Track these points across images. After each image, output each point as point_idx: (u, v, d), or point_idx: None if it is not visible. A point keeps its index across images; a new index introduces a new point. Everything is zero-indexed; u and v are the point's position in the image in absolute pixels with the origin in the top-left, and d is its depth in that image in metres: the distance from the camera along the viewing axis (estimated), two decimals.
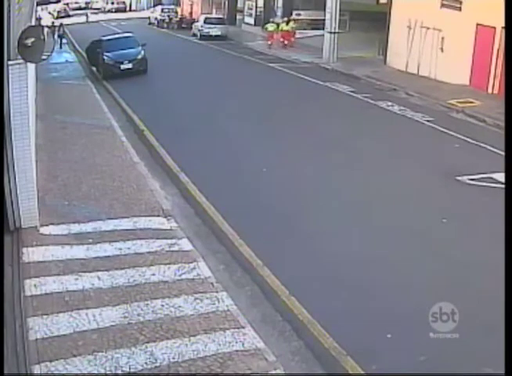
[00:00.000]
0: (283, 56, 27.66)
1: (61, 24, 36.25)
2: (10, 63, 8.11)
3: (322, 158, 12.68)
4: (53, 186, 10.81)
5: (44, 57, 8.94)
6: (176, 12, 48.59)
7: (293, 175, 11.68)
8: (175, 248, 8.58)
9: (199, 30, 36.97)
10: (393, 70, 23.07)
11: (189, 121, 16.13)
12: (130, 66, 23.27)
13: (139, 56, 23.60)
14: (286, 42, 30.53)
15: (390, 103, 17.76)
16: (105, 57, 23.35)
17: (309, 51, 28.43)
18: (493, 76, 18.29)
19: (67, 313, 6.86)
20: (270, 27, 31.71)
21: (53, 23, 36.79)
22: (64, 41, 35.18)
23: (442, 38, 20.75)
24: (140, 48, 23.98)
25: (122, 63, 23.18)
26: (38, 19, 31.44)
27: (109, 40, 24.87)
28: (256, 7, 39.75)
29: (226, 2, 43.93)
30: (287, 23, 31.26)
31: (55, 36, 32.73)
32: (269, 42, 31.03)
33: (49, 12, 51.09)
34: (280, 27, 31.32)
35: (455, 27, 19.77)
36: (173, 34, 41.52)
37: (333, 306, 7.20)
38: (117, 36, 26.44)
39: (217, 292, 7.43)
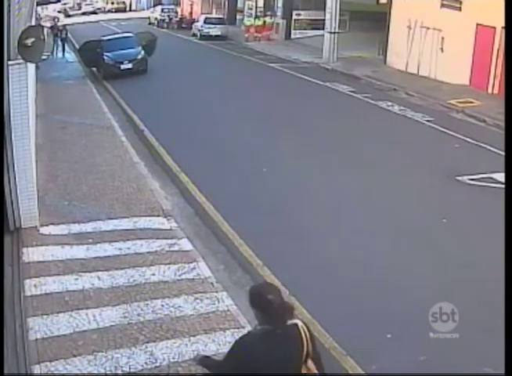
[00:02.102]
0: (282, 56, 27.68)
1: (64, 26, 33.99)
2: (10, 63, 8.10)
3: (323, 158, 12.68)
4: (53, 186, 10.81)
5: (44, 57, 8.94)
6: (176, 12, 48.61)
7: (293, 175, 11.68)
8: (175, 248, 8.58)
9: (199, 30, 36.98)
10: (393, 70, 23.09)
11: (188, 120, 16.13)
12: (130, 66, 23.27)
13: (139, 56, 23.63)
14: (260, 35, 34.13)
15: (390, 103, 17.77)
16: (105, 57, 23.34)
17: (309, 51, 28.46)
18: (493, 76, 18.31)
19: (67, 313, 6.85)
20: (247, 21, 35.69)
21: (55, 24, 34.21)
22: (67, 47, 32.49)
23: (442, 38, 20.76)
24: (140, 48, 23.98)
25: (122, 63, 23.19)
26: (38, 19, 31.21)
27: (109, 40, 24.86)
28: (256, 7, 39.77)
29: (226, 2, 43.95)
30: (262, 18, 35.16)
31: (58, 41, 31.33)
32: (246, 35, 34.59)
33: (49, 13, 51.10)
34: (255, 22, 34.95)
35: (455, 27, 19.79)
36: (173, 34, 41.52)
37: (333, 306, 7.20)
38: (116, 36, 26.41)
39: (217, 292, 7.42)
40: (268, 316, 3.98)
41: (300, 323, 4.09)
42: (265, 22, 34.91)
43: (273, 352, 3.97)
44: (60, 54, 30.72)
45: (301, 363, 4.09)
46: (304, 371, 4.08)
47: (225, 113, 16.86)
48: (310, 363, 4.12)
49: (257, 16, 35.47)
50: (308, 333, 4.10)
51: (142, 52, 23.81)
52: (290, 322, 4.07)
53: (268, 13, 35.74)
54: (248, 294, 4.12)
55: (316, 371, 4.14)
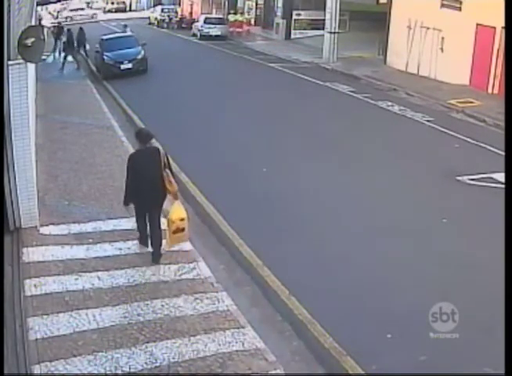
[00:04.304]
0: (282, 56, 27.67)
1: (61, 27, 29.25)
2: (10, 63, 8.11)
3: (322, 158, 12.68)
4: (53, 186, 10.80)
5: (44, 57, 8.96)
6: (176, 12, 48.58)
7: (293, 175, 11.68)
8: (175, 248, 8.57)
9: (199, 30, 36.94)
10: (393, 70, 23.08)
11: (188, 120, 16.13)
12: (130, 66, 23.17)
13: (139, 56, 23.50)
14: (241, 30, 37.25)
15: (390, 103, 17.76)
16: (105, 57, 23.25)
17: (309, 51, 28.46)
18: (493, 76, 18.30)
19: (67, 313, 6.86)
20: (231, 17, 38.55)
21: (53, 24, 32.61)
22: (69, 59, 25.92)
23: (442, 38, 20.75)
24: (140, 47, 23.88)
25: (122, 62, 23.07)
26: (40, 19, 30.91)
27: (109, 39, 24.77)
28: (256, 7, 39.80)
29: (226, 2, 43.94)
30: (242, 14, 38.83)
31: (57, 50, 27.31)
32: (230, 29, 37.17)
33: (49, 12, 51.13)
34: (238, 18, 38.10)
35: (455, 27, 19.78)
36: (173, 34, 41.49)
37: (333, 306, 7.20)
38: (116, 35, 26.33)
39: (217, 292, 7.43)
40: (141, 139, 8.16)
41: (160, 148, 8.21)
42: (246, 18, 38.52)
43: (145, 157, 8.01)
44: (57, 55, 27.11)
45: (161, 169, 7.87)
46: (164, 174, 7.86)
47: (226, 113, 16.85)
48: (168, 171, 7.95)
49: (238, 13, 38.63)
50: (165, 154, 8.04)
51: (142, 52, 23.70)
52: (154, 145, 8.26)
53: (249, 10, 39.54)
54: (134, 135, 8.60)
55: (171, 177, 7.95)
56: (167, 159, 8.04)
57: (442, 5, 20.73)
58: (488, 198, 10.26)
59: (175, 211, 7.99)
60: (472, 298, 7.19)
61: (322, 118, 16.10)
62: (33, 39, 8.15)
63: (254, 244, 8.73)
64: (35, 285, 7.42)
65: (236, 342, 6.44)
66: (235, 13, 39.26)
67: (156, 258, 8.16)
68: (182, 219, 7.99)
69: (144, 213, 8.17)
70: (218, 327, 6.69)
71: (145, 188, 7.87)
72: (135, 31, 28.31)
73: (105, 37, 25.44)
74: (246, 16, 39.09)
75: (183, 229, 8.03)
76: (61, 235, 8.91)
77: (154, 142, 8.41)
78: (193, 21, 41.44)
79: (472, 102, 17.44)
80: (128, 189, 8.04)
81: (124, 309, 7.00)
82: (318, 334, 6.70)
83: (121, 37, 25.61)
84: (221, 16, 39.76)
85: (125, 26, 33.05)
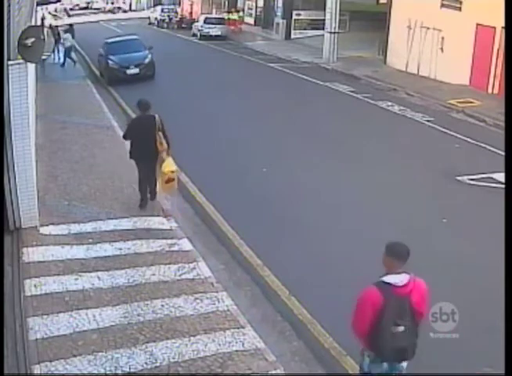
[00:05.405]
0: (282, 56, 27.68)
1: (55, 27, 28.04)
2: (10, 63, 8.11)
3: (323, 158, 12.68)
4: (53, 186, 10.81)
5: (44, 57, 8.99)
6: (176, 12, 48.61)
7: (293, 175, 11.68)
8: (175, 248, 8.58)
9: (199, 30, 36.93)
10: (393, 70, 23.09)
11: (188, 120, 16.10)
12: (137, 70, 21.79)
13: (146, 60, 22.13)
14: (234, 28, 38.75)
15: (390, 103, 17.77)
16: (109, 61, 21.99)
17: (309, 51, 28.47)
18: (493, 76, 18.31)
19: (67, 313, 6.86)
20: (226, 16, 40.21)
21: (51, 24, 31.49)
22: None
23: (442, 38, 20.76)
24: (147, 51, 22.57)
25: (128, 67, 21.70)
26: (42, 19, 30.69)
27: (113, 42, 23.35)
28: (256, 7, 39.83)
29: (226, 2, 43.99)
30: (236, 13, 40.49)
31: (58, 50, 26.54)
32: (230, 28, 38.71)
33: (49, 12, 51.16)
34: (232, 17, 39.87)
35: (455, 27, 19.79)
36: (173, 34, 41.52)
37: (333, 306, 7.20)
38: (121, 38, 24.54)
39: (217, 292, 7.43)
40: (140, 108, 9.78)
41: (156, 116, 9.73)
42: (239, 17, 40.47)
43: (142, 122, 9.73)
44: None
45: (156, 131, 9.56)
46: (157, 137, 9.54)
47: (226, 113, 16.85)
48: (160, 133, 9.60)
49: (231, 12, 40.45)
50: (160, 120, 9.71)
51: (150, 56, 22.32)
52: (152, 114, 9.74)
53: (240, 9, 41.33)
54: (137, 104, 10.01)
55: (163, 138, 9.66)
56: (162, 124, 9.70)
57: (442, 5, 20.74)
58: (488, 198, 10.26)
59: (167, 164, 9.65)
60: (472, 298, 7.18)
61: (322, 118, 16.10)
62: (33, 39, 8.15)
63: (254, 244, 8.74)
64: (35, 285, 7.42)
65: (236, 342, 6.44)
66: (230, 12, 40.21)
67: (152, 196, 10.11)
68: (173, 172, 9.74)
69: (144, 173, 9.84)
70: (218, 327, 6.69)
71: (141, 146, 9.60)
72: (135, 32, 28.14)
73: (109, 39, 24.07)
74: (239, 14, 40.25)
75: (173, 180, 9.78)
76: (61, 235, 8.91)
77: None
78: (193, 21, 41.50)
79: (472, 102, 17.45)
80: (131, 146, 9.80)
81: (124, 309, 7.00)
82: (318, 334, 6.70)
83: (127, 40, 23.91)
84: (221, 16, 39.78)
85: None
